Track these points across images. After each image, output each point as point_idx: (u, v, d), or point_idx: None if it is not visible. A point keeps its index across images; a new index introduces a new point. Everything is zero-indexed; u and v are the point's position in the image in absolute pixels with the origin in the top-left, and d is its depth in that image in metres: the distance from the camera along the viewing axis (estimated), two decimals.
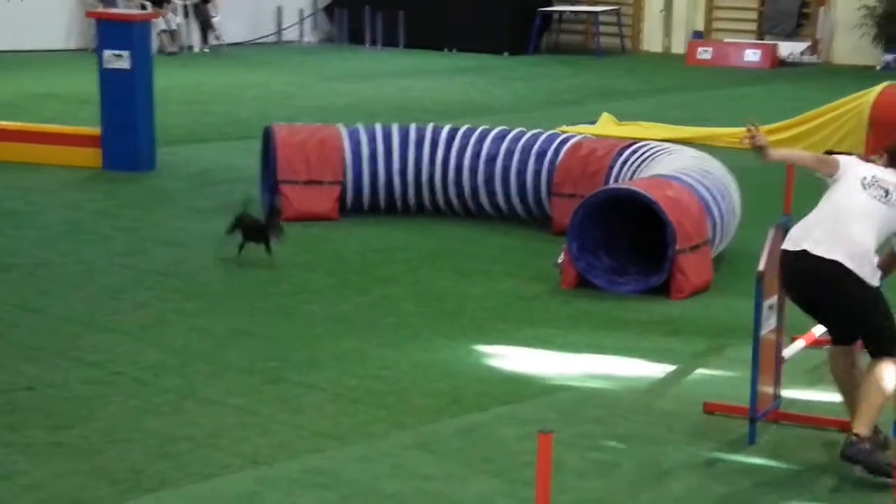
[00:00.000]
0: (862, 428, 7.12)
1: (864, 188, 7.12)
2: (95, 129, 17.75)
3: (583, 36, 31.45)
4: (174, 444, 8.55)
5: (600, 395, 10.03)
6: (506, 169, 14.59)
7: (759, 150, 7.34)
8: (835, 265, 7.00)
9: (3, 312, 11.85)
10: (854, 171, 7.22)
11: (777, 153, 7.70)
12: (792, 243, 7.20)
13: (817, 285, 7.25)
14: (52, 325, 11.57)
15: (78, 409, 9.41)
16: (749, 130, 7.32)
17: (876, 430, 7.27)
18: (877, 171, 7.27)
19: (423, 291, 12.61)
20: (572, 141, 14.73)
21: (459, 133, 15.19)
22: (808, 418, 9.32)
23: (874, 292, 7.20)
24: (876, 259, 7.19)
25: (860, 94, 19.04)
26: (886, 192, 7.11)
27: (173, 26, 28.83)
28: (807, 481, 7.86)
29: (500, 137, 14.93)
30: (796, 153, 8.70)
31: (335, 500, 7.67)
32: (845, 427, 7.96)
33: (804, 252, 7.09)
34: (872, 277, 7.11)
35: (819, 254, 7.01)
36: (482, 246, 14.04)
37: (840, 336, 7.57)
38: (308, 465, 8.12)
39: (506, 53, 30.58)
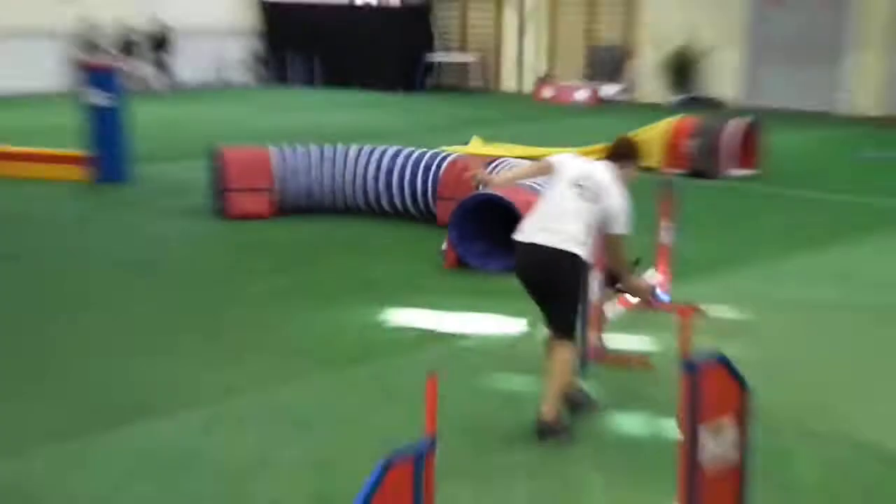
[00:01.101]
0: (549, 410, 6.99)
1: (573, 187, 6.97)
2: (83, 152, 17.69)
3: (457, 78, 31.58)
4: (143, 384, 8.66)
5: (474, 343, 10.38)
6: (401, 179, 14.84)
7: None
8: (556, 253, 6.86)
9: (14, 284, 12.10)
10: (566, 171, 7.09)
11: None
12: (523, 235, 7.08)
13: (542, 272, 7.04)
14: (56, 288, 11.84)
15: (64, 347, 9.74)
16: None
17: (577, 391, 7.31)
18: (588, 167, 7.14)
19: (340, 271, 12.87)
20: (450, 158, 14.96)
21: (364, 151, 15.41)
22: (619, 359, 9.54)
23: (579, 280, 7.04)
24: (588, 246, 6.96)
25: (659, 123, 19.47)
26: (590, 190, 6.90)
27: (139, 72, 28.51)
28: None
29: (395, 155, 15.15)
30: (514, 172, 8.03)
31: (283, 427, 7.92)
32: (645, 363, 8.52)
33: (531, 243, 6.94)
34: (586, 258, 6.97)
35: (541, 243, 6.87)
36: (383, 237, 14.30)
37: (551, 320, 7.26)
38: (254, 402, 8.30)
39: (399, 91, 30.53)
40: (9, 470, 7.52)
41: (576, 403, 7.37)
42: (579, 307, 7.15)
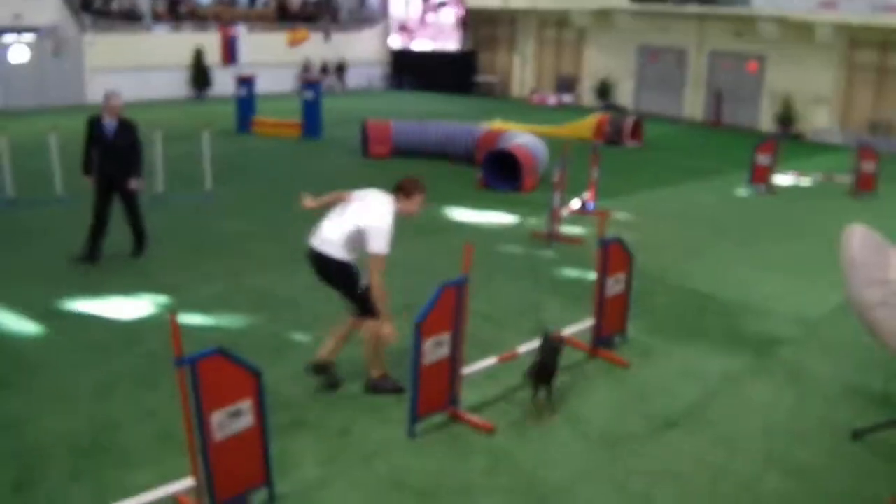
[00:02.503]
0: (374, 371, 6.42)
1: (347, 206, 6.19)
2: (300, 122, 20.21)
3: (488, 89, 32.46)
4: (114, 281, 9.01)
5: (495, 227, 11.66)
6: (456, 137, 16.39)
7: (307, 206, 6.25)
8: (320, 255, 6.15)
9: (263, 187, 14.04)
10: (353, 196, 6.22)
11: (316, 202, 6.24)
12: (310, 239, 6.23)
13: (315, 268, 6.25)
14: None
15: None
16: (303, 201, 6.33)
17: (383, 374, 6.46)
18: (367, 195, 6.24)
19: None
20: (484, 127, 16.67)
21: (440, 123, 17.17)
22: (567, 239, 10.58)
23: (346, 277, 6.16)
24: (349, 251, 6.12)
25: (591, 117, 21.09)
26: (356, 211, 6.09)
27: (329, 83, 29.86)
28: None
29: (455, 126, 16.90)
30: (328, 197, 6.35)
31: (242, 308, 8.29)
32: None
33: (309, 246, 6.20)
34: (347, 261, 6.14)
35: (312, 246, 6.18)
36: (446, 169, 15.66)
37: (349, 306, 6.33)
38: (208, 294, 8.64)
39: (458, 94, 31.44)
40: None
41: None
42: (358, 294, 6.12)
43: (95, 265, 9.60)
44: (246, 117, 21.02)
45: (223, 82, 28.01)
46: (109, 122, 9.42)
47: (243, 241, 10.79)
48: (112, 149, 9.44)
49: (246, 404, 4.66)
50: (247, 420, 4.70)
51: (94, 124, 9.49)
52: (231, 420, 4.60)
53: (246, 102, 21.25)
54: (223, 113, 21.85)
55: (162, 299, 8.54)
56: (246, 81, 21.30)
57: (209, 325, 7.79)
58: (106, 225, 9.74)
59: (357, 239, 5.97)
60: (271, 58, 29.82)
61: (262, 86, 23.39)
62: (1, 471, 5.38)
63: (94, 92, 25.53)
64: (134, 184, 9.58)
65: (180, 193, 13.14)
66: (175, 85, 29.11)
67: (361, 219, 5.95)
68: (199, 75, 28.75)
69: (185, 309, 8.03)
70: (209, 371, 4.44)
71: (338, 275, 6.10)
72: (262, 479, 4.94)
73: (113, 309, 8.33)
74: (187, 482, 4.74)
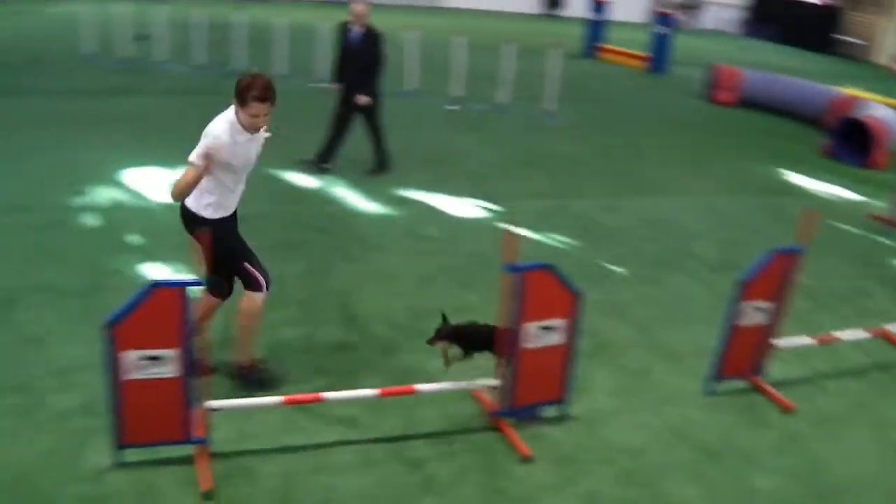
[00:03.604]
0: (241, 356, 5.13)
1: None
2: (646, 54, 20.46)
3: (851, 49, 29.85)
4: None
5: (833, 200, 11.24)
6: (815, 99, 15.43)
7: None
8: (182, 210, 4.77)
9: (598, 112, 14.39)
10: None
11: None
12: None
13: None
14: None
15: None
16: None
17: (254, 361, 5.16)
18: None
19: (756, 143, 13.50)
20: (838, 92, 15.19)
21: (798, 81, 16.26)
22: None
23: (215, 239, 4.53)
24: (203, 197, 4.70)
25: None
26: None
27: (682, 17, 29.62)
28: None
29: (811, 86, 15.71)
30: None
31: (564, 229, 8.92)
32: None
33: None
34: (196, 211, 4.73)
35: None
36: (791, 129, 14.96)
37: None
38: (533, 210, 9.31)
39: (815, 50, 29.56)
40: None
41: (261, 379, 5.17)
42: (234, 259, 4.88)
43: (325, 169, 9.65)
44: (594, 42, 21.19)
45: (576, 3, 28.31)
46: (356, 30, 9.17)
47: (576, 165, 11.09)
48: (354, 57, 9.18)
49: (561, 322, 4.78)
50: (558, 337, 4.82)
51: (343, 31, 9.30)
52: (544, 333, 4.72)
53: (596, 26, 21.44)
54: (571, 34, 22.20)
55: (491, 206, 8.96)
56: (600, 5, 21.38)
57: (532, 239, 8.05)
58: (343, 134, 9.54)
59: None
60: None
61: (614, 12, 23.38)
62: (327, 330, 5.96)
63: None
64: (363, 99, 9.28)
65: (522, 108, 13.68)
66: (523, 0, 29.76)
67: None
68: None
69: (508, 219, 8.35)
70: (535, 283, 4.54)
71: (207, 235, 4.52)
72: (559, 396, 5.10)
73: (446, 205, 8.95)
74: (488, 381, 4.98)
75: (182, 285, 4.08)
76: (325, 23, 14.22)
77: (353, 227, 8.08)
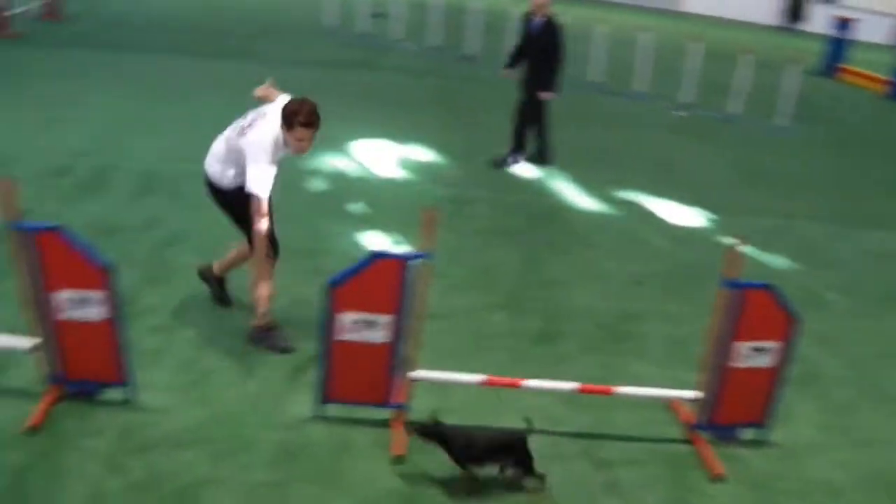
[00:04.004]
0: (257, 319, 5.15)
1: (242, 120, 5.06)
2: (889, 78, 18.71)
3: None
4: None
5: None
6: None
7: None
8: (206, 178, 5.16)
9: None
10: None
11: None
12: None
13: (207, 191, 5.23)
14: None
15: None
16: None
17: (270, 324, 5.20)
18: (265, 109, 5.08)
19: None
20: None
21: None
22: None
23: (228, 201, 5.12)
24: (231, 171, 5.03)
25: None
26: (242, 128, 4.97)
27: None
28: None
29: None
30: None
31: (784, 251, 8.29)
32: None
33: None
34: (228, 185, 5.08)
35: (204, 168, 5.15)
36: None
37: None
38: (754, 226, 9.11)
39: None
40: None
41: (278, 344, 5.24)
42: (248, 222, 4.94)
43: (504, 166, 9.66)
44: (834, 60, 20.19)
45: (818, 17, 27.01)
46: (537, 20, 9.26)
47: (804, 186, 10.69)
48: (532, 47, 9.30)
49: (774, 345, 4.62)
50: (769, 359, 4.67)
51: (525, 20, 9.44)
52: (755, 354, 4.59)
53: (838, 45, 20.35)
54: (810, 49, 21.28)
55: (712, 216, 8.81)
56: (845, 23, 20.24)
57: (751, 255, 7.79)
58: (535, 123, 9.67)
59: (236, 155, 4.97)
60: (876, 2, 28.11)
61: (859, 31, 22.26)
62: (531, 319, 6.02)
63: (691, 4, 26.16)
64: (546, 95, 9.38)
65: (752, 120, 13.41)
66: (762, 10, 28.59)
67: (245, 132, 4.99)
68: (796, 5, 27.90)
69: (730, 233, 8.17)
70: (753, 302, 4.42)
71: (219, 198, 5.24)
72: (761, 419, 4.91)
73: (664, 211, 8.88)
74: (690, 393, 4.87)
75: (404, 258, 4.21)
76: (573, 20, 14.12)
77: (568, 222, 8.15)
